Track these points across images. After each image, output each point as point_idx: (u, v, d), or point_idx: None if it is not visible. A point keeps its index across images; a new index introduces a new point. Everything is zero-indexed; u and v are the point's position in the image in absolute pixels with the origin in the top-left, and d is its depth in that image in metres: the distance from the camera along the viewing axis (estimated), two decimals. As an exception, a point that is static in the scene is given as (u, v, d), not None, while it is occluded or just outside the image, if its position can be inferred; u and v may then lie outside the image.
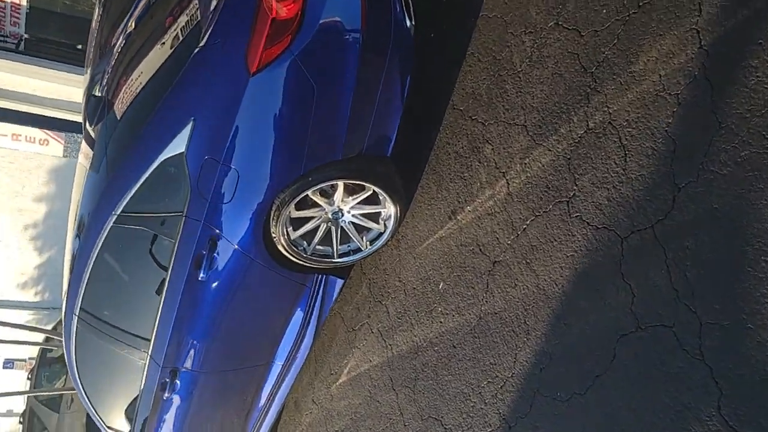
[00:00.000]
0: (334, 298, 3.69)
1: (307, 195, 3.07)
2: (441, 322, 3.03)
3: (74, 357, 3.85)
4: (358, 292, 3.69)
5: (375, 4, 2.87)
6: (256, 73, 2.76)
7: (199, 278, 3.22)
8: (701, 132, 1.98)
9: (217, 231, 3.11)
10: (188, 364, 3.68)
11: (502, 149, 2.78)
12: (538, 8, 2.68)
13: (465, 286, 2.89)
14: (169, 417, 3.99)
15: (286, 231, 3.18)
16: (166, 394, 3.76)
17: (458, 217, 2.98)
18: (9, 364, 10.66)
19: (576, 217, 2.39)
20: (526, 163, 2.64)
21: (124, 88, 3.25)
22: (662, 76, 2.13)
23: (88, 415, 4.34)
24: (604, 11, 2.38)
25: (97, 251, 3.30)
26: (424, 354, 3.12)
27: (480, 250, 2.83)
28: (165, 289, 3.36)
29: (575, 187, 2.41)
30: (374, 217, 3.30)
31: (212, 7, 2.78)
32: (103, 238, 3.24)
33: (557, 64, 2.56)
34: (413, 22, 3.04)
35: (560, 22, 2.56)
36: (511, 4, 2.83)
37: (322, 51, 2.84)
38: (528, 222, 2.61)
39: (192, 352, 3.64)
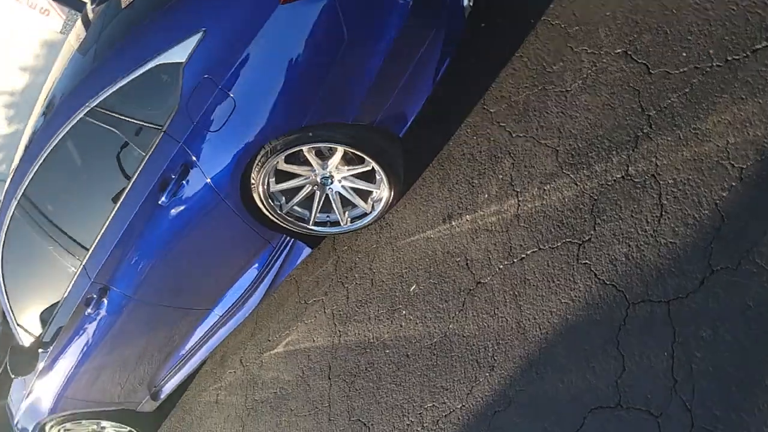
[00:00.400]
0: (295, 265, 3.42)
1: (301, 150, 2.78)
2: (401, 325, 2.78)
3: (2, 241, 3.52)
4: (323, 266, 3.43)
5: None
6: (287, 2, 2.44)
7: (160, 201, 2.92)
8: (758, 217, 1.75)
9: (194, 158, 2.80)
10: (121, 286, 3.38)
11: (523, 167, 2.52)
12: (609, 30, 2.42)
13: (439, 297, 2.64)
14: (87, 334, 3.69)
15: (267, 181, 2.89)
16: (89, 310, 3.46)
17: (453, 223, 2.73)
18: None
19: (584, 264, 2.16)
20: (545, 190, 2.39)
21: (140, -26, 2.90)
22: (730, 143, 1.89)
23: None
24: (684, 54, 2.13)
25: (58, 138, 2.97)
26: (373, 353, 2.88)
27: (467, 264, 2.58)
28: (120, 201, 3.05)
29: (593, 232, 2.17)
30: (364, 195, 3.03)
31: None
32: (69, 127, 2.91)
33: (612, 96, 2.30)
34: (471, 3, 2.76)
35: (630, 52, 2.31)
36: (580, 16, 2.56)
37: (366, 1, 2.54)
38: (528, 252, 2.37)
39: (129, 274, 3.33)
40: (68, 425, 4.38)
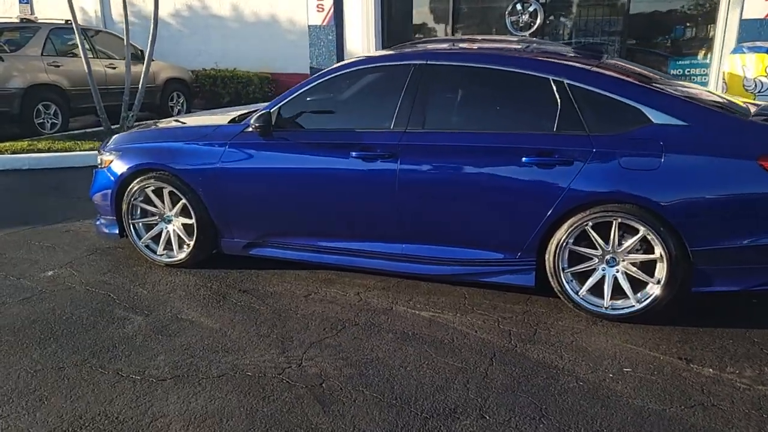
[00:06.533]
0: (506, 282, 3.88)
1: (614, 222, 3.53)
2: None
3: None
4: (503, 309, 3.89)
5: None
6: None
7: (523, 158, 3.60)
8: None
9: (584, 166, 3.51)
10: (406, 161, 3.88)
11: None
12: None
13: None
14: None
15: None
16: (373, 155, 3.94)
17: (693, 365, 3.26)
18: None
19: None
20: None
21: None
22: None
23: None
24: None
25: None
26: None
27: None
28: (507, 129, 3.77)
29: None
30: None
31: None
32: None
33: None
34: None
35: None
36: None
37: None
38: None
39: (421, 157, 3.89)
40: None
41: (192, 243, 4.52)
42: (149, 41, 9.59)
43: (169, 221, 4.62)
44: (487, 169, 3.73)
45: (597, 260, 3.67)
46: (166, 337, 3.61)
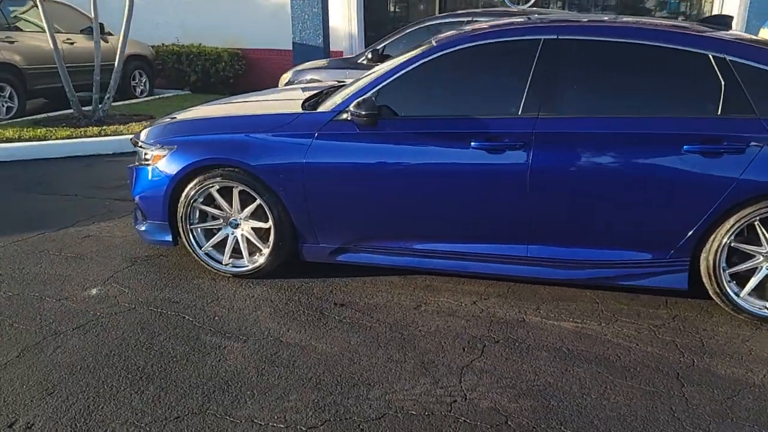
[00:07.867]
0: (652, 284, 3.49)
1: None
2: None
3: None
4: (647, 316, 3.49)
5: None
6: None
7: (685, 146, 3.18)
8: None
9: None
10: (539, 156, 3.38)
11: None
12: None
13: None
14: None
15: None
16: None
17: None
18: None
19: None
20: None
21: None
22: None
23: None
24: None
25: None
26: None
27: None
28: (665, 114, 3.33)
29: None
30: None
31: None
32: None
33: None
34: None
35: None
36: None
37: None
38: None
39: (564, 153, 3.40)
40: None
41: (268, 250, 3.89)
42: (125, 14, 8.55)
43: (236, 225, 3.95)
44: (638, 159, 3.29)
45: (762, 258, 3.31)
46: (284, 369, 3.02)
